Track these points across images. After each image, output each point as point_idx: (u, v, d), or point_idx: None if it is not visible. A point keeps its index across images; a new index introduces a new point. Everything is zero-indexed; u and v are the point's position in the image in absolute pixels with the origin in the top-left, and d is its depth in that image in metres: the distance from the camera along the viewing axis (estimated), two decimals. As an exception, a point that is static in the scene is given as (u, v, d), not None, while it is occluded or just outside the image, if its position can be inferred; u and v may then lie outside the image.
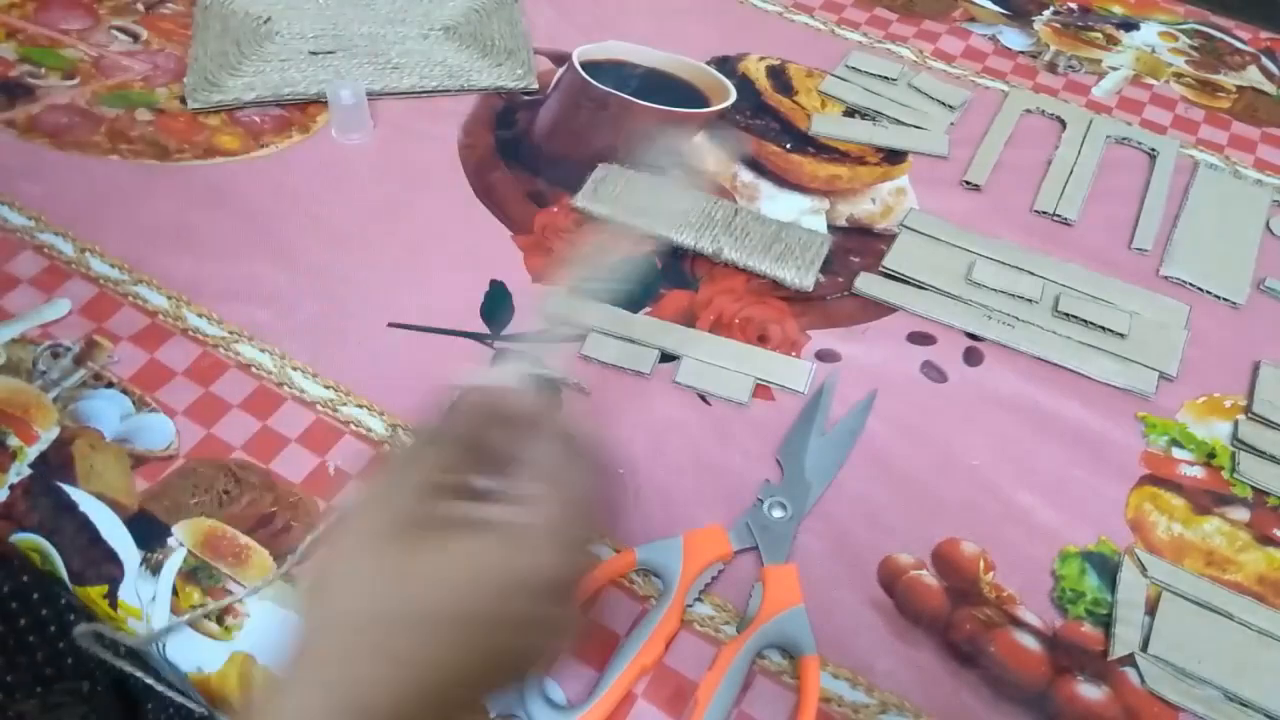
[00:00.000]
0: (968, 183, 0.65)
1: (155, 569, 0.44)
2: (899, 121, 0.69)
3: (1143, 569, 0.47)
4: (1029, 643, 0.45)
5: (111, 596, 0.44)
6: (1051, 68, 0.75)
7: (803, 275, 0.57)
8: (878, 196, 0.64)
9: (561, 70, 0.71)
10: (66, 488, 0.46)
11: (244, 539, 0.45)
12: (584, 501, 0.33)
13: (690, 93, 0.71)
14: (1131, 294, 0.59)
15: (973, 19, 0.79)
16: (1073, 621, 0.45)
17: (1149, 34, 0.79)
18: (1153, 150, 0.68)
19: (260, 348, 0.53)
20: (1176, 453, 0.52)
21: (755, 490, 0.48)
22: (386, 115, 0.66)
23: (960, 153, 0.67)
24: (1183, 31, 0.80)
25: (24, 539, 0.45)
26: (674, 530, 0.45)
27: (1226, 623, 0.45)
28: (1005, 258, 0.60)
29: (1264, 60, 0.78)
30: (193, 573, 0.44)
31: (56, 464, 0.47)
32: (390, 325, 0.54)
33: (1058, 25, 0.79)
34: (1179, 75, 0.75)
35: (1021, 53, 0.76)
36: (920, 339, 0.56)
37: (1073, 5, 0.81)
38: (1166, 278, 0.60)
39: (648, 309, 0.56)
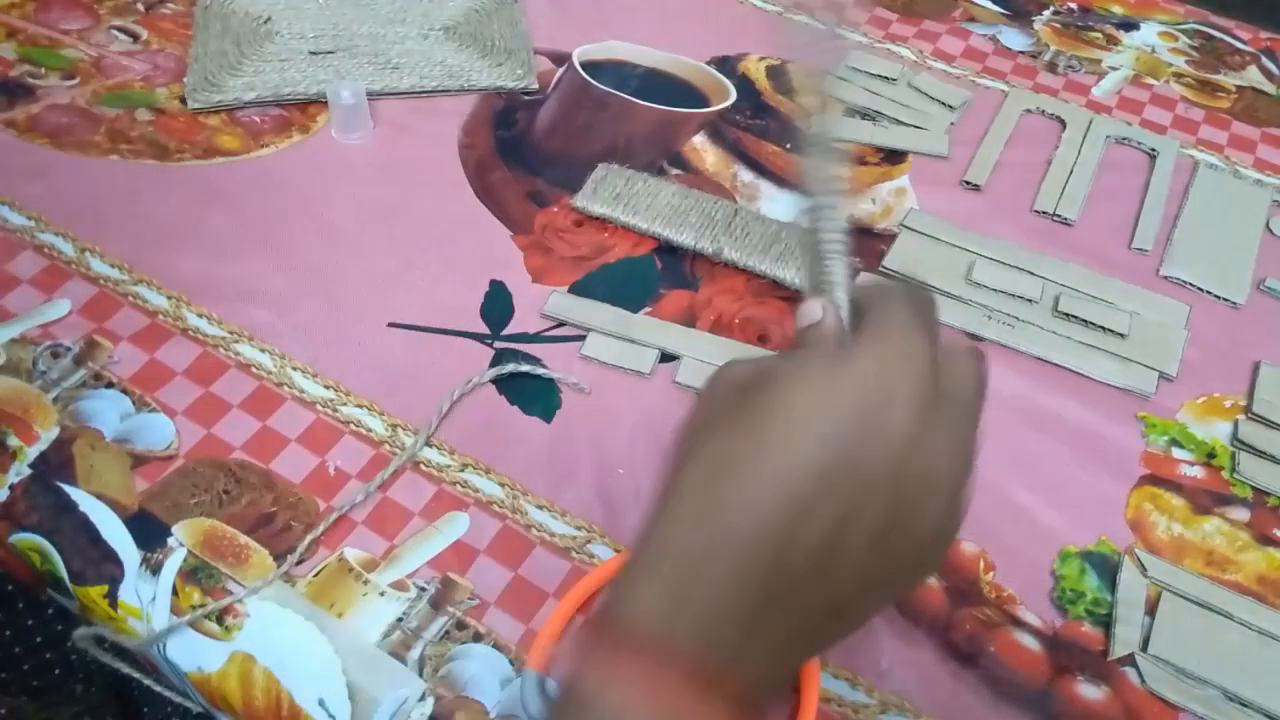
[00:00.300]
0: (968, 183, 0.65)
1: (155, 569, 0.44)
2: (899, 121, 0.69)
3: (1143, 569, 0.47)
4: (1029, 643, 0.45)
5: (111, 596, 0.44)
6: (1051, 68, 0.75)
7: (803, 275, 0.57)
8: (878, 196, 0.64)
9: (561, 70, 0.71)
10: (66, 488, 0.46)
11: (244, 539, 0.45)
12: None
13: (690, 93, 0.71)
14: (1131, 294, 0.59)
15: (973, 19, 0.79)
16: (1073, 621, 0.45)
17: (1149, 34, 0.79)
18: (1153, 150, 0.68)
19: (260, 348, 0.53)
20: (1176, 453, 0.52)
21: (755, 490, 0.48)
22: (386, 115, 0.66)
23: (960, 153, 0.67)
24: (1183, 31, 0.80)
25: (24, 539, 0.45)
26: (674, 530, 0.45)
27: (1226, 623, 0.45)
28: (1005, 258, 0.60)
29: (1264, 60, 0.78)
30: (193, 573, 0.44)
31: (56, 464, 0.47)
32: (390, 325, 0.54)
33: (1058, 25, 0.79)
34: (1179, 75, 0.75)
35: (1021, 53, 0.76)
36: (920, 339, 0.56)
37: (1073, 5, 0.81)
38: (1166, 278, 0.60)
39: (648, 309, 0.56)
